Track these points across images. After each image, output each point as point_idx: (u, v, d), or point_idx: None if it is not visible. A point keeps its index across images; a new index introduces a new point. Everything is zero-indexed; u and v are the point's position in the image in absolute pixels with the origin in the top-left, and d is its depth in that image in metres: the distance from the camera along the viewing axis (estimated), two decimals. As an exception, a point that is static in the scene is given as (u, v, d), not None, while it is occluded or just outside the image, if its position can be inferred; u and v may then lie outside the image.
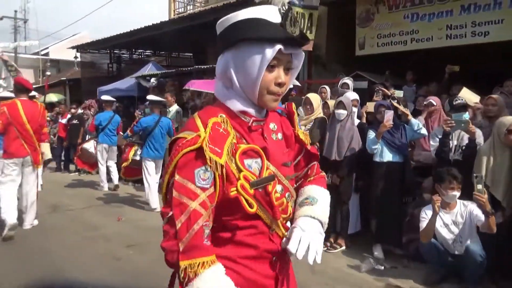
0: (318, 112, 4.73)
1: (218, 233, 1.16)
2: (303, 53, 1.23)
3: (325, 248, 4.49)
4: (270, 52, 1.12)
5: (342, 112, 4.44)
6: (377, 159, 4.29)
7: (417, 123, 4.23)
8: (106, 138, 7.85)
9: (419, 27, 7.10)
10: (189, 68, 8.52)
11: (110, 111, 8.16)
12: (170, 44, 14.13)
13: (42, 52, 28.12)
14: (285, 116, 1.37)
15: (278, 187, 1.20)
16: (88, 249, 4.55)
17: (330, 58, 8.73)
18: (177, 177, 1.08)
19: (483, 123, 4.33)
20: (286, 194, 1.23)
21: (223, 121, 1.14)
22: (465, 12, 6.54)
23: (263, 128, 1.24)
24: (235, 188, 1.11)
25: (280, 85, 1.17)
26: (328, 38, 8.75)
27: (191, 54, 17.79)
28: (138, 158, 6.44)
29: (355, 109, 4.63)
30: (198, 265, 1.04)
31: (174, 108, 7.16)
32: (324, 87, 6.53)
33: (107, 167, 7.97)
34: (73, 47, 15.94)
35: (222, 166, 1.09)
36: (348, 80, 6.24)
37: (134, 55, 17.07)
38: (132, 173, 6.81)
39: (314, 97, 4.79)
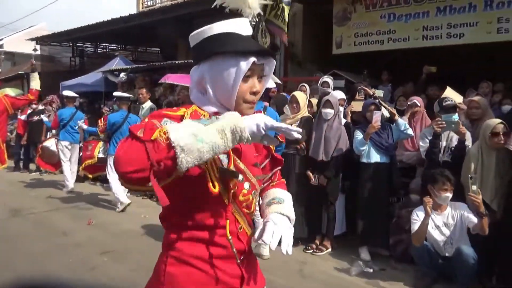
0: (304, 111, 4.59)
1: (191, 231, 1.20)
2: (275, 61, 1.28)
3: (311, 251, 4.38)
4: (244, 65, 1.18)
5: (329, 112, 4.33)
6: (364, 160, 4.21)
7: (404, 123, 4.19)
8: (67, 135, 7.43)
9: (396, 27, 7.13)
10: (162, 63, 8.16)
11: (72, 107, 7.73)
12: (137, 38, 13.61)
13: (-4, 44, 26.50)
14: None
15: (246, 185, 1.26)
16: (58, 258, 4.17)
17: (306, 57, 8.65)
18: (146, 120, 1.11)
19: (466, 125, 4.36)
20: (253, 192, 1.29)
21: (203, 115, 1.22)
22: (441, 14, 6.63)
23: None
24: (206, 165, 1.14)
25: (255, 93, 1.24)
26: (304, 36, 8.68)
27: (159, 49, 17.32)
28: (102, 155, 6.28)
29: (341, 109, 4.53)
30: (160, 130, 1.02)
31: (148, 104, 6.81)
32: (304, 85, 6.42)
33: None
34: (32, 39, 15.01)
35: None
36: (328, 79, 6.14)
37: (98, 49, 16.33)
38: (94, 170, 6.67)
39: (300, 96, 4.65)
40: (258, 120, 1.09)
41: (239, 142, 1.08)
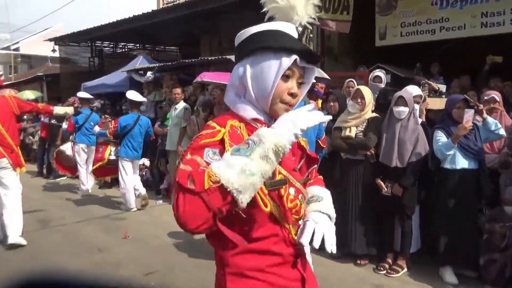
0: (369, 109, 4.01)
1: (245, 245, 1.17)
2: (315, 70, 1.28)
3: (384, 271, 3.80)
4: (286, 61, 1.18)
5: (402, 110, 3.74)
6: (447, 166, 3.61)
7: (495, 122, 3.58)
8: (83, 137, 7.27)
9: (449, 15, 6.49)
10: (192, 60, 7.63)
11: (87, 109, 7.49)
12: (156, 36, 13.11)
13: (13, 47, 26.41)
14: None
15: (292, 190, 1.24)
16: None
17: (343, 50, 8.03)
18: (188, 156, 1.10)
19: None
20: (299, 196, 1.27)
21: (239, 126, 1.20)
22: (503, -2, 5.96)
23: None
24: None
25: (293, 95, 1.22)
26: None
27: (177, 48, 16.86)
28: (113, 157, 6.16)
29: (417, 107, 3.93)
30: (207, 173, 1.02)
31: (181, 105, 6.30)
32: (352, 81, 5.82)
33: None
34: (50, 39, 14.67)
35: None
36: (380, 73, 5.55)
37: (117, 49, 15.94)
38: (103, 173, 6.56)
39: (366, 90, 4.07)
40: (295, 130, 1.09)
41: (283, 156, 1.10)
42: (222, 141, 1.13)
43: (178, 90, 6.27)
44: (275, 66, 1.18)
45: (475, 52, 6.21)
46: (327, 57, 8.09)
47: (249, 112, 1.23)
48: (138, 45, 16.16)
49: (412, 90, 4.09)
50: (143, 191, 6.26)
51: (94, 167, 6.39)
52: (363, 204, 3.93)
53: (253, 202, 1.08)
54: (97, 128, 6.53)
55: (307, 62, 1.24)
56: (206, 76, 6.14)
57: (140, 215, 5.97)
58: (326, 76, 5.67)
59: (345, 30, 6.30)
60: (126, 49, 16.31)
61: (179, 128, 6.24)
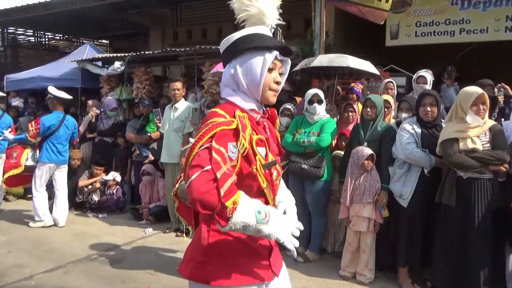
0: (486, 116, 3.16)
1: None
2: (290, 61, 1.57)
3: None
4: (270, 57, 1.48)
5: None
6: None
7: None
8: None
9: (471, 16, 6.09)
10: (178, 49, 6.08)
11: None
12: (83, 25, 10.93)
13: None
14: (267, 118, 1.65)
15: (274, 172, 1.52)
16: None
17: (345, 49, 7.25)
18: (214, 143, 1.35)
19: None
20: (279, 178, 1.58)
21: (244, 116, 1.45)
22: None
23: (265, 124, 1.59)
24: (255, 167, 1.42)
25: (278, 83, 1.52)
26: (347, 25, 7.29)
27: (108, 42, 14.69)
28: (31, 163, 5.35)
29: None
30: (236, 198, 1.31)
31: (184, 104, 4.82)
32: (392, 82, 5.03)
33: None
34: None
35: (246, 148, 1.40)
36: (426, 73, 4.83)
37: (37, 38, 13.30)
38: (17, 182, 5.62)
39: (486, 95, 3.20)
40: (290, 238, 1.38)
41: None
42: (236, 130, 1.40)
43: (179, 85, 4.78)
44: (260, 62, 1.47)
45: (496, 58, 5.89)
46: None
47: (246, 103, 1.50)
48: (60, 35, 13.65)
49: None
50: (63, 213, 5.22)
51: (6, 175, 5.35)
52: (488, 233, 3.06)
53: (254, 178, 1.44)
54: (10, 136, 5.35)
55: (284, 55, 1.54)
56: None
57: (137, 253, 4.34)
58: (376, 71, 4.75)
59: (379, 21, 5.49)
60: (45, 39, 13.65)
61: (182, 134, 4.78)
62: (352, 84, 5.09)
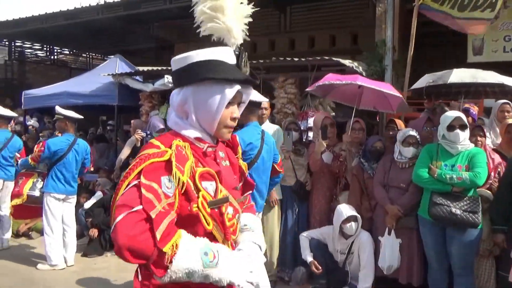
0: None
1: None
2: (252, 90, 1.43)
3: None
4: (230, 92, 1.31)
5: None
6: None
7: None
8: None
9: None
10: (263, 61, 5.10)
11: (5, 129, 5.40)
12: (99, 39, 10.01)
13: None
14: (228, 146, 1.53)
15: (230, 209, 1.35)
16: None
17: (423, 66, 6.49)
18: (143, 179, 1.18)
19: None
20: (236, 216, 1.39)
21: (184, 146, 1.29)
22: None
23: (215, 154, 1.40)
24: (196, 205, 1.24)
25: (234, 119, 1.37)
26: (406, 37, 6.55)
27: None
28: (36, 193, 4.68)
29: None
30: (176, 239, 1.16)
31: (271, 127, 3.92)
32: (508, 103, 4.24)
33: None
34: None
35: (183, 183, 1.23)
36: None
37: (47, 53, 12.37)
38: (24, 214, 4.98)
39: None
40: (247, 280, 1.22)
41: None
42: (169, 162, 1.22)
43: (266, 104, 3.91)
44: (218, 97, 1.29)
45: None
46: (395, 75, 6.50)
47: (192, 133, 1.34)
48: (68, 50, 12.71)
49: None
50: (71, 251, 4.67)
51: (9, 205, 4.81)
52: None
53: (196, 220, 1.25)
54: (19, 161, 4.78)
55: (247, 87, 1.38)
56: (331, 78, 3.71)
57: None
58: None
59: (478, 32, 4.78)
60: (54, 54, 12.69)
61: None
62: (467, 105, 4.28)
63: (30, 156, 4.57)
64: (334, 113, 5.48)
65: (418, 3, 4.87)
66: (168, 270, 1.12)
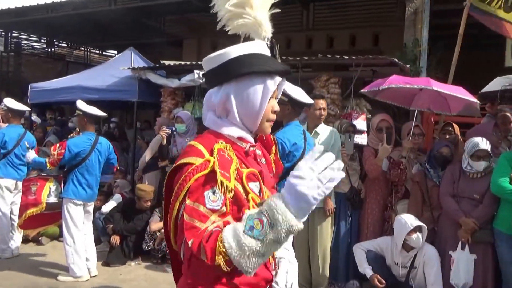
0: None
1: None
2: (285, 82, 1.36)
3: None
4: (272, 84, 1.27)
5: None
6: None
7: None
8: (10, 169, 4.71)
9: None
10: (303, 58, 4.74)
11: (18, 125, 4.94)
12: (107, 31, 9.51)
13: None
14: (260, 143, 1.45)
15: None
16: None
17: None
18: (188, 201, 1.14)
19: None
20: None
21: (226, 148, 1.22)
22: None
23: (255, 153, 1.34)
24: (247, 210, 1.16)
25: (275, 113, 1.33)
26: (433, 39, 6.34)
27: (116, 52, 13.22)
28: (54, 200, 4.16)
29: None
30: (219, 246, 1.08)
31: (327, 129, 3.57)
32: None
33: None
34: None
35: (231, 189, 1.16)
36: None
37: (45, 45, 11.80)
38: (34, 223, 4.32)
39: None
40: (312, 201, 1.06)
41: None
42: (213, 171, 1.15)
43: (324, 103, 3.58)
44: (260, 90, 1.25)
45: None
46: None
47: (234, 131, 1.28)
48: (69, 43, 12.13)
49: None
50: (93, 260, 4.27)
51: (24, 216, 4.09)
52: None
53: None
54: (31, 154, 4.23)
55: (285, 79, 1.34)
56: (399, 81, 3.45)
57: None
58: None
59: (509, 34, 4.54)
60: (52, 47, 12.09)
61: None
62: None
63: (48, 160, 4.01)
64: (370, 115, 5.21)
65: (469, 3, 4.61)
66: (237, 267, 1.07)
